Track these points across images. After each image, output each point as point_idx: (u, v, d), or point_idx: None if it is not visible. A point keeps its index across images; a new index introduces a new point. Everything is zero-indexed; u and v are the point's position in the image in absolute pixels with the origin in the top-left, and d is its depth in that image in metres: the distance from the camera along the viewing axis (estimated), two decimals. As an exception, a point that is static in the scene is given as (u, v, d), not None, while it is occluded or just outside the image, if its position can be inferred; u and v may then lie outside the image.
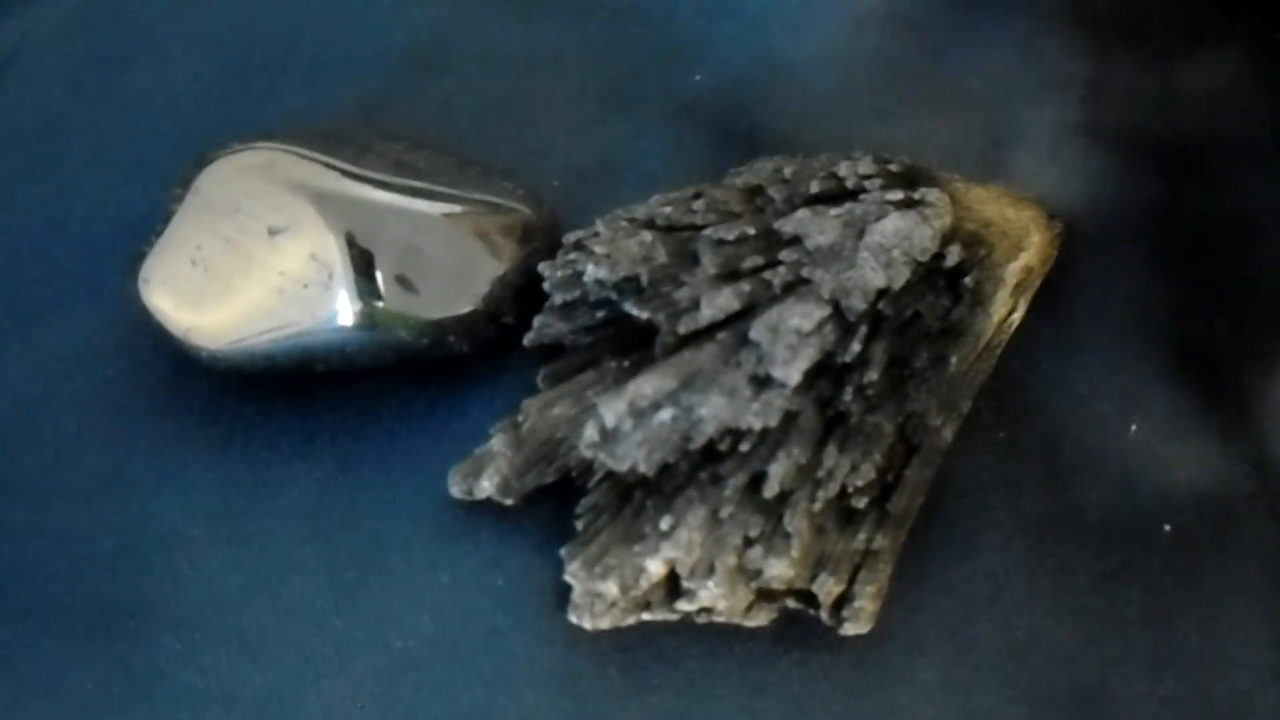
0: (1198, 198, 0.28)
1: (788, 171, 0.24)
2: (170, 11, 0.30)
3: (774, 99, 0.28)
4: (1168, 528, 0.24)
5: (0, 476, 0.25)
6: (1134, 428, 0.25)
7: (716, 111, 0.28)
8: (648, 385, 0.21)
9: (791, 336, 0.21)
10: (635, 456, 0.21)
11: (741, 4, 0.29)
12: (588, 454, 0.21)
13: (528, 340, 0.24)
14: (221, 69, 0.29)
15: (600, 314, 0.23)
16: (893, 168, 0.24)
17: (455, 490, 0.23)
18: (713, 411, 0.21)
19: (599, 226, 0.24)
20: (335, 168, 0.24)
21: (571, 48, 0.29)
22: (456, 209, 0.24)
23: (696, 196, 0.24)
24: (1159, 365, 0.26)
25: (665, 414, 0.21)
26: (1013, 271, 0.25)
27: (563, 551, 0.22)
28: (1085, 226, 0.27)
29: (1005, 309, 0.25)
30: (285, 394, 0.24)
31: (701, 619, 0.22)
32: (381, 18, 0.29)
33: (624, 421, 0.21)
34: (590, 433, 0.21)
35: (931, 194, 0.24)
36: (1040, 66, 0.29)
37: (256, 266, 0.23)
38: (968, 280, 0.24)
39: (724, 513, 0.21)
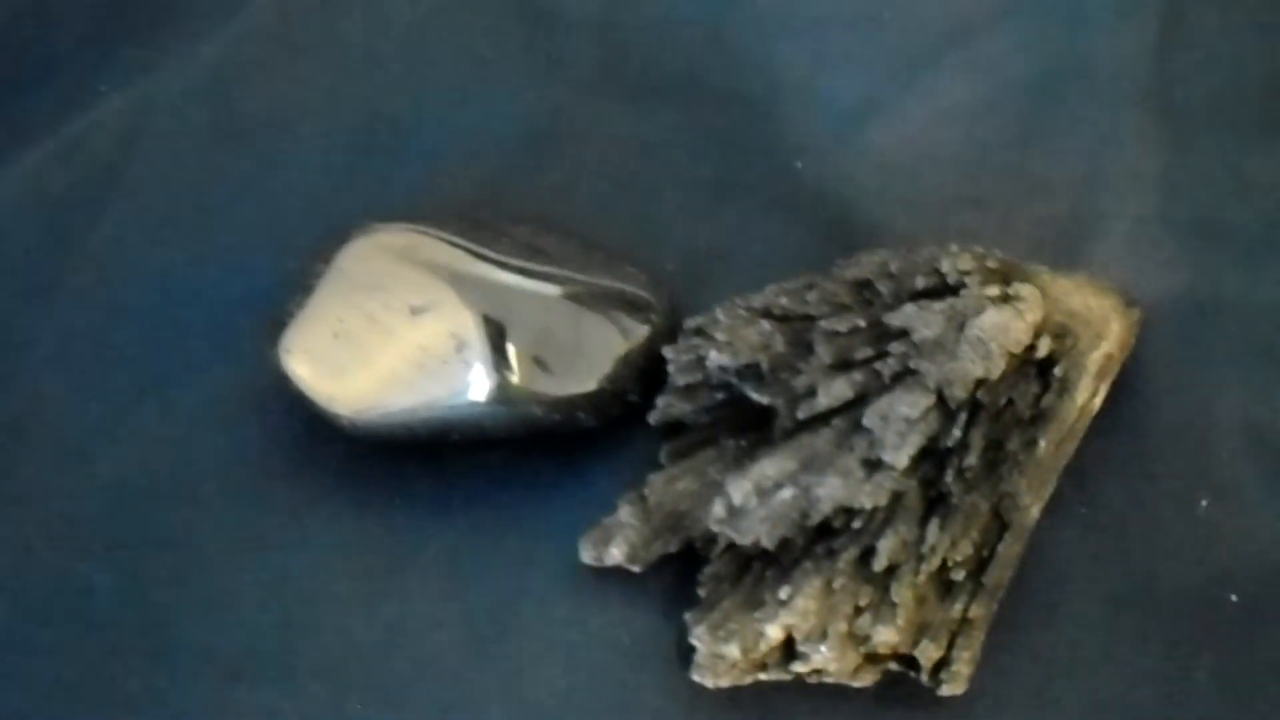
0: (1269, 285, 0.32)
1: (893, 266, 0.28)
2: (295, 84, 0.35)
3: (869, 188, 0.33)
4: (1234, 597, 0.29)
5: (144, 530, 0.30)
6: (1204, 504, 0.30)
7: (816, 199, 0.33)
8: (771, 467, 0.25)
9: (901, 424, 0.25)
10: (759, 531, 0.25)
11: (839, 95, 0.34)
12: (715, 528, 0.25)
13: (652, 418, 0.28)
14: (346, 143, 0.34)
15: (720, 396, 0.28)
16: (990, 264, 0.28)
17: (586, 556, 0.27)
18: (829, 491, 0.25)
19: (719, 314, 0.28)
20: (472, 251, 0.28)
21: (681, 134, 0.33)
22: (584, 292, 0.29)
23: (809, 288, 0.28)
24: (1228, 446, 0.30)
25: (786, 493, 0.25)
26: (1095, 359, 0.29)
27: (687, 616, 0.26)
28: (1162, 313, 0.32)
29: (1088, 394, 0.29)
30: (419, 460, 0.29)
31: (812, 679, 0.26)
32: (499, 100, 0.34)
33: (749, 499, 0.25)
34: (718, 509, 0.25)
35: (1025, 289, 0.28)
36: (1119, 157, 0.33)
37: (398, 342, 0.28)
38: (1056, 370, 0.28)
39: (837, 584, 0.25)
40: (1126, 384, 0.31)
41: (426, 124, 0.34)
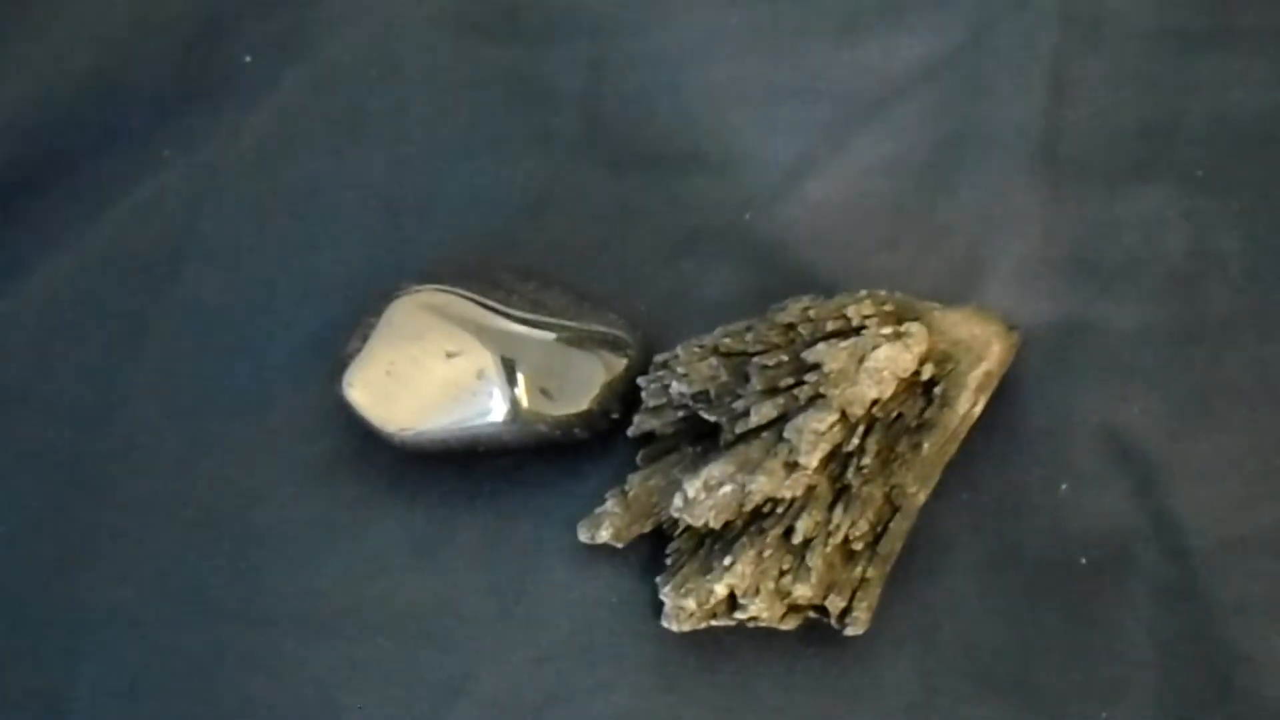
0: (1129, 311, 0.47)
1: (812, 312, 0.43)
2: (331, 154, 0.49)
3: (806, 235, 0.47)
4: (1084, 560, 0.43)
5: (238, 526, 0.45)
6: (1063, 488, 0.44)
7: (762, 246, 0.47)
8: (716, 469, 0.40)
9: (812, 435, 0.40)
10: (707, 516, 0.40)
11: (781, 155, 0.48)
12: (676, 514, 0.40)
13: (630, 432, 0.43)
14: (378, 207, 0.48)
15: (680, 414, 0.43)
16: (887, 307, 0.43)
17: (582, 537, 0.42)
18: (759, 486, 0.40)
19: (679, 351, 0.43)
20: (489, 307, 0.43)
21: (650, 195, 0.48)
22: (575, 335, 0.44)
23: (748, 329, 0.43)
24: (1086, 442, 0.45)
25: (728, 488, 0.40)
26: (974, 378, 0.44)
27: (658, 579, 0.42)
28: (1038, 335, 0.46)
29: (968, 404, 0.44)
30: (453, 467, 0.44)
31: (751, 624, 0.41)
32: (504, 168, 0.48)
33: (700, 493, 0.40)
34: (678, 500, 0.40)
35: (914, 327, 0.43)
36: (1009, 204, 0.48)
37: (436, 378, 0.43)
38: (938, 389, 0.43)
39: (766, 553, 0.40)
40: (1005, 393, 0.45)
41: (445, 191, 0.48)
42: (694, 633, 0.41)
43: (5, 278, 0.48)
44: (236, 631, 0.43)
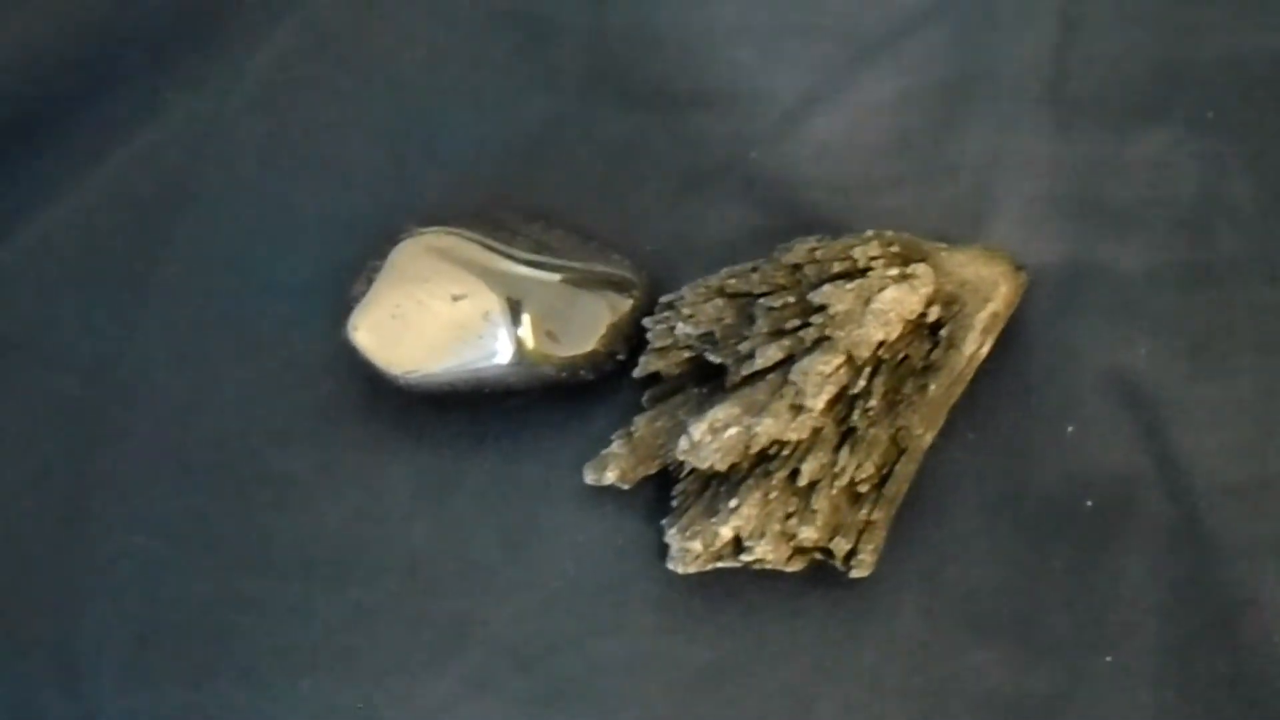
0: (1135, 252, 0.47)
1: (819, 253, 0.43)
2: (333, 96, 0.49)
3: (811, 174, 0.48)
4: (1090, 503, 0.44)
5: (245, 468, 0.45)
6: (1070, 430, 0.45)
7: (768, 185, 0.48)
8: (721, 411, 0.41)
9: (818, 377, 0.41)
10: (713, 459, 0.41)
11: (786, 93, 0.49)
12: (681, 457, 0.41)
13: (636, 373, 0.44)
14: (382, 147, 0.49)
15: (686, 355, 0.43)
16: (893, 249, 0.43)
17: (588, 479, 0.43)
18: (765, 429, 0.41)
19: (685, 292, 0.43)
20: (494, 249, 0.44)
21: (655, 133, 0.48)
22: (581, 276, 0.44)
23: (753, 270, 0.43)
24: (1093, 384, 0.45)
25: (733, 431, 0.41)
26: (981, 319, 0.44)
27: (664, 521, 0.42)
28: (1045, 276, 0.47)
29: (975, 346, 0.44)
30: (459, 409, 0.45)
31: (756, 566, 0.42)
32: (507, 107, 0.49)
33: (705, 436, 0.41)
34: (683, 443, 0.41)
35: (920, 269, 0.43)
36: (1016, 144, 0.48)
37: (442, 321, 0.43)
38: (944, 331, 0.43)
39: (772, 496, 0.41)
40: (1012, 334, 0.46)
41: (449, 131, 0.48)
42: (700, 575, 0.42)
43: (7, 226, 0.49)
44: (244, 576, 0.44)
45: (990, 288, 0.45)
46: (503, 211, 0.46)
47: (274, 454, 0.46)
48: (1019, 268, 0.46)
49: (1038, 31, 0.49)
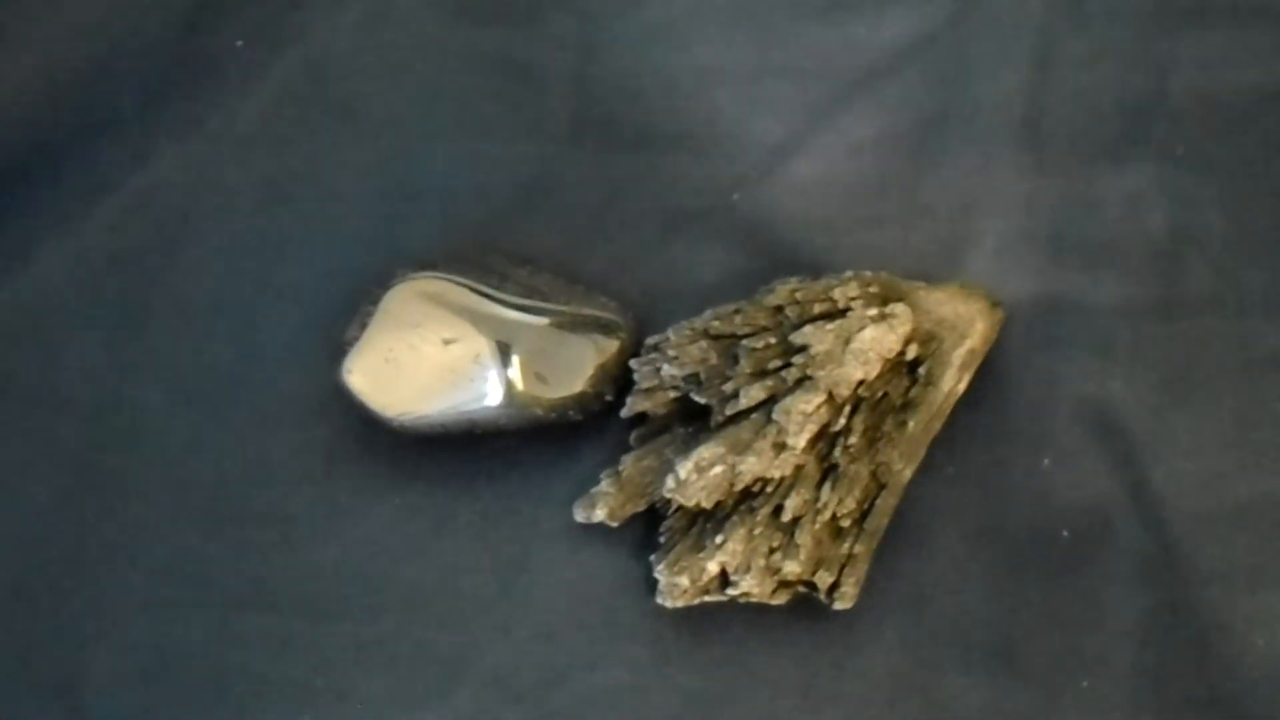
0: (1108, 287, 0.49)
1: (799, 295, 0.45)
2: (326, 142, 0.51)
3: (793, 214, 0.50)
4: (1066, 533, 0.46)
5: (240, 509, 0.47)
6: (1046, 462, 0.47)
7: (750, 226, 0.49)
8: (706, 451, 0.43)
9: (800, 416, 0.43)
10: (699, 496, 0.43)
11: (768, 135, 0.50)
12: (668, 495, 0.43)
13: (623, 413, 0.46)
14: (375, 192, 0.50)
15: (672, 395, 0.45)
16: (872, 289, 0.45)
17: (578, 517, 0.45)
18: (749, 467, 0.43)
19: (670, 334, 0.45)
20: (485, 294, 0.46)
21: (638, 177, 0.50)
22: (569, 319, 0.46)
23: (737, 312, 0.45)
24: (1068, 417, 0.47)
25: (718, 469, 0.43)
26: (959, 355, 0.46)
27: (652, 557, 0.44)
28: (1021, 312, 0.49)
29: (953, 382, 0.46)
30: (451, 450, 0.47)
31: (742, 600, 0.44)
32: (495, 152, 0.50)
33: (691, 474, 0.43)
34: (670, 481, 0.43)
35: (898, 308, 0.45)
36: (992, 182, 0.50)
37: (434, 364, 0.45)
38: (922, 368, 0.45)
39: (756, 531, 0.43)
40: (990, 370, 0.48)
41: (438, 176, 0.50)
42: (687, 609, 0.44)
43: (3, 270, 0.51)
44: (244, 615, 0.46)
45: (967, 324, 0.47)
46: (491, 256, 0.48)
47: (270, 495, 0.47)
48: (995, 304, 0.48)
49: (1012, 70, 0.51)
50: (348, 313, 0.48)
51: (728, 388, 0.44)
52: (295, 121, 0.52)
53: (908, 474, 0.45)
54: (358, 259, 0.50)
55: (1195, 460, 0.47)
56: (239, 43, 0.53)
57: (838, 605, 0.44)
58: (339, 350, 0.47)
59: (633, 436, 0.47)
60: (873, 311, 0.45)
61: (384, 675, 0.45)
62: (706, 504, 0.43)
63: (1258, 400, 0.47)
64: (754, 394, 0.43)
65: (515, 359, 0.45)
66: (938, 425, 0.46)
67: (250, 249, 0.51)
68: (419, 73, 0.52)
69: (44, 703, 0.46)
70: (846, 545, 0.44)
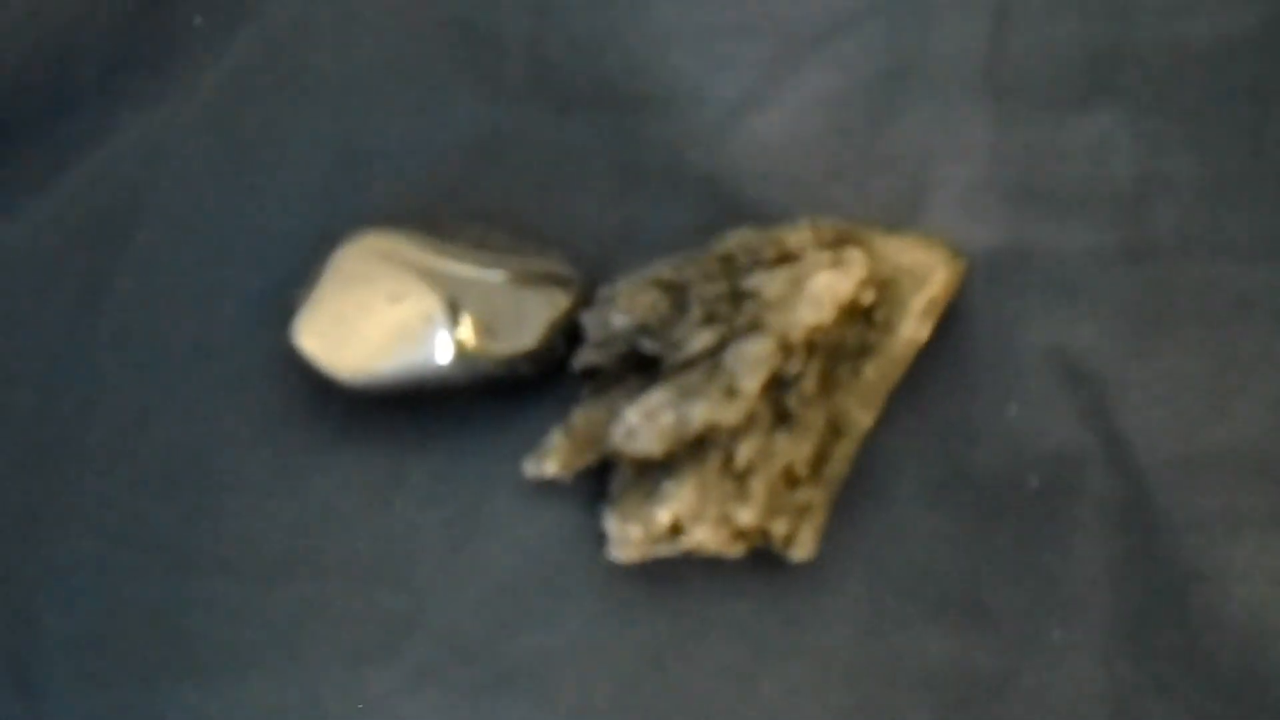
0: (1073, 235, 0.48)
1: (751, 242, 0.45)
2: (280, 111, 0.51)
3: (751, 171, 0.49)
4: (1035, 481, 0.45)
5: (195, 473, 0.47)
6: (1012, 409, 0.46)
7: (707, 183, 0.49)
8: (655, 397, 0.42)
9: (751, 360, 0.42)
10: (649, 445, 0.42)
11: (723, 92, 0.50)
12: (617, 443, 0.42)
13: (573, 366, 0.45)
14: (328, 158, 0.50)
15: (623, 347, 0.45)
16: (826, 235, 0.45)
17: (528, 471, 0.44)
18: (699, 412, 0.42)
19: (620, 285, 0.45)
20: (435, 250, 0.45)
21: (594, 136, 0.50)
22: (520, 273, 0.45)
23: (688, 262, 0.45)
24: (1033, 365, 0.46)
25: (668, 416, 0.42)
26: (917, 302, 0.45)
27: (604, 509, 0.43)
28: (985, 261, 0.48)
29: (912, 330, 0.45)
30: (403, 409, 0.46)
31: (697, 553, 0.43)
32: (450, 115, 0.50)
33: (640, 421, 0.42)
34: (619, 429, 0.42)
35: (852, 253, 0.44)
36: (954, 133, 0.49)
37: (383, 321, 0.45)
38: (879, 314, 0.45)
39: (709, 480, 0.42)
40: (953, 319, 0.47)
41: (392, 139, 0.50)
42: (643, 563, 0.44)
43: (-39, 243, 0.51)
44: (196, 579, 0.46)
45: (927, 271, 0.46)
46: (442, 213, 0.47)
47: (223, 458, 0.47)
48: (958, 253, 0.47)
49: (972, 20, 0.50)
50: (302, 277, 0.47)
51: (677, 335, 0.43)
52: (253, 94, 0.52)
53: (867, 422, 0.45)
54: (314, 225, 0.49)
55: (1166, 406, 0.46)
56: (197, 19, 0.54)
57: (795, 556, 0.43)
58: (289, 312, 0.46)
59: (584, 390, 0.46)
60: (826, 256, 0.44)
61: (333, 635, 0.44)
62: (657, 452, 0.42)
63: (1228, 345, 0.46)
64: (704, 339, 0.43)
65: (466, 315, 0.45)
66: (898, 374, 0.45)
67: (206, 219, 0.50)
68: (374, 39, 0.52)
69: (-6, 669, 0.45)
70: (803, 494, 0.43)
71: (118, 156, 0.52)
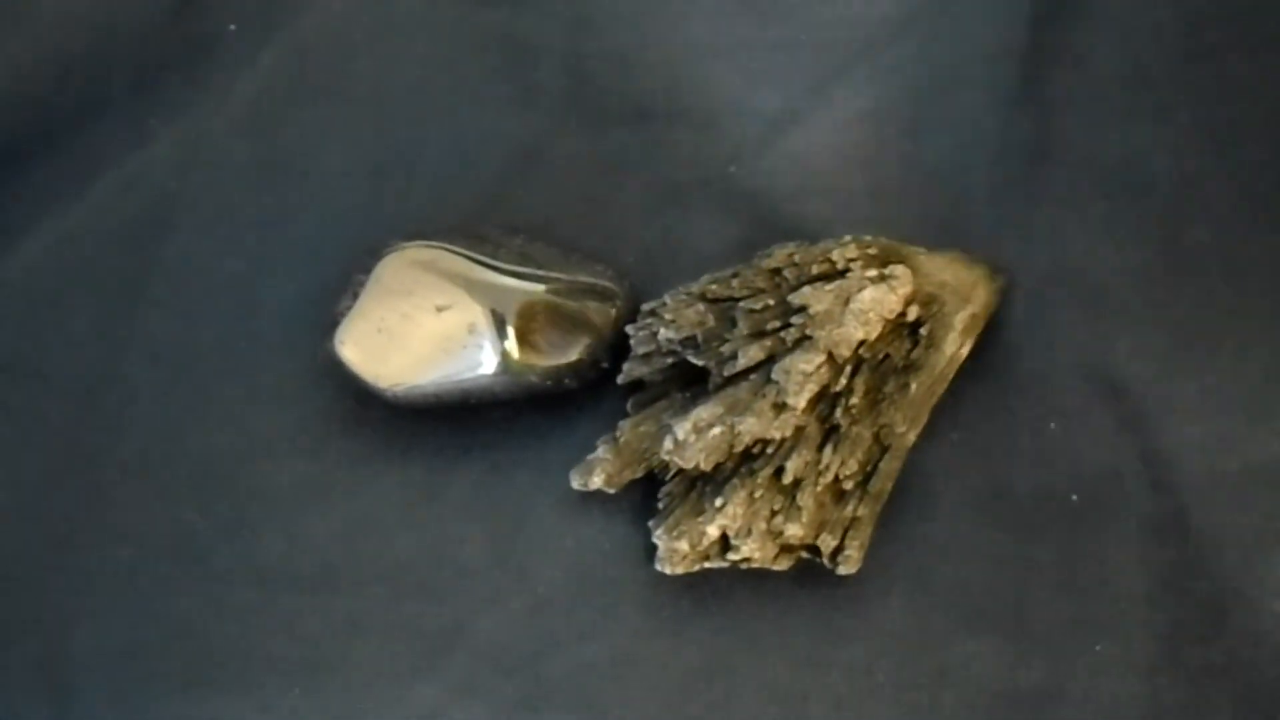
0: (1108, 252, 0.48)
1: (797, 257, 0.44)
2: (318, 118, 0.51)
3: (791, 186, 0.49)
4: (1075, 497, 0.45)
5: (233, 483, 0.47)
6: (1052, 426, 0.46)
7: (748, 198, 0.49)
8: (705, 411, 0.42)
9: (799, 375, 0.42)
10: (698, 458, 0.42)
11: (764, 107, 0.50)
12: (666, 457, 0.42)
13: (620, 379, 0.45)
14: (366, 167, 0.50)
15: (669, 360, 0.44)
16: (871, 250, 0.45)
17: (575, 484, 0.44)
18: (748, 427, 0.42)
19: (667, 299, 0.45)
20: (479, 261, 0.45)
21: (633, 150, 0.50)
22: (564, 286, 0.45)
23: (734, 276, 0.45)
24: (1072, 381, 0.46)
25: (717, 430, 0.42)
26: (960, 319, 0.45)
27: (651, 522, 0.43)
28: (1025, 277, 0.48)
29: (955, 346, 0.45)
30: (446, 420, 0.46)
31: (743, 565, 0.43)
32: (488, 127, 0.50)
33: (689, 436, 0.42)
34: (668, 443, 0.42)
35: (898, 269, 0.44)
36: (991, 149, 0.50)
37: (427, 334, 0.44)
38: (923, 330, 0.44)
39: (757, 494, 0.42)
40: (993, 336, 0.47)
41: (429, 150, 0.50)
42: (688, 576, 0.43)
43: (-2, 250, 0.50)
44: (233, 590, 0.45)
45: (969, 289, 0.46)
46: (485, 225, 0.47)
47: (262, 468, 0.47)
48: (997, 270, 0.47)
49: (1007, 36, 0.51)
50: (341, 287, 0.47)
51: (725, 349, 0.43)
52: (287, 101, 0.52)
53: (911, 437, 0.44)
54: (351, 234, 0.49)
55: (1204, 423, 0.46)
56: (231, 26, 0.53)
57: (842, 569, 0.43)
58: (331, 323, 0.46)
59: (630, 403, 0.46)
60: (872, 272, 0.44)
61: (375, 648, 0.44)
62: (705, 466, 0.42)
63: (1267, 361, 0.46)
64: (752, 354, 0.43)
65: (510, 327, 0.45)
66: (941, 389, 0.45)
67: (242, 226, 0.50)
68: (411, 49, 0.52)
69: (29, 677, 0.44)
70: (850, 508, 0.43)
71: (151, 164, 0.51)
